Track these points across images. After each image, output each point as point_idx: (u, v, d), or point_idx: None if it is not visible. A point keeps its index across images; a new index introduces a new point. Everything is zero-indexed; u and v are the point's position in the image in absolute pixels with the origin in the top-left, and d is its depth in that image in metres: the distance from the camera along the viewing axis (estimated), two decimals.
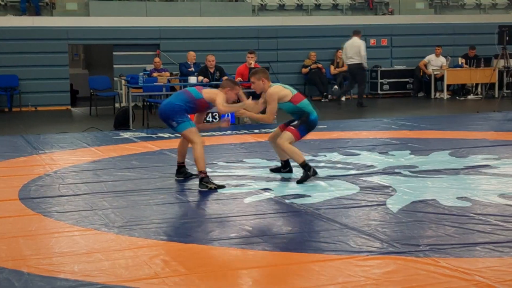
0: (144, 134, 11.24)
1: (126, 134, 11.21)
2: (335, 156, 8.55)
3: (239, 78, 13.10)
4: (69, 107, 17.09)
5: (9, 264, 4.42)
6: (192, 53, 15.47)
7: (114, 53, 17.65)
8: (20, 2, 17.59)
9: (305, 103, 7.23)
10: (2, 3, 17.76)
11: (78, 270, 4.31)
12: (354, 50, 15.72)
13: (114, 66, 17.60)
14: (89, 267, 4.37)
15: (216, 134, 11.24)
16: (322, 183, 6.95)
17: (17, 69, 16.53)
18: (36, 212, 5.89)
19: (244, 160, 8.49)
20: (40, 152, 9.45)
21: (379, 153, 8.75)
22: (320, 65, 18.17)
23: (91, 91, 15.92)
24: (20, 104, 16.45)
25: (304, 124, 7.19)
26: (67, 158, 8.94)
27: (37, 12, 17.59)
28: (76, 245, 4.90)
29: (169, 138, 10.66)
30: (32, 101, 16.63)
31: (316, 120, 7.28)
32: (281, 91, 7.19)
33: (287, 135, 7.13)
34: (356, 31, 16.17)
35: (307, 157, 8.46)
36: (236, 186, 6.89)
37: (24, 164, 8.50)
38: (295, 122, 7.23)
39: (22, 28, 16.71)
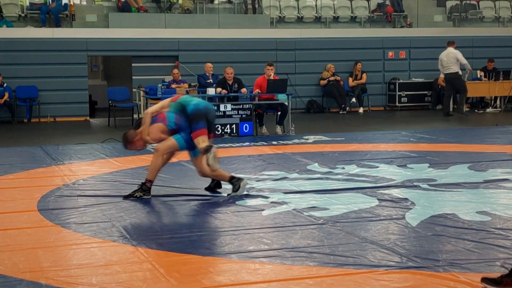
0: None
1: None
2: (353, 169, 8.51)
3: (258, 90, 13.12)
4: (88, 118, 17.19)
5: (27, 276, 4.43)
6: (209, 64, 15.52)
7: (133, 64, 17.76)
8: (40, 13, 17.76)
9: (184, 97, 7.14)
10: (23, 15, 17.94)
11: (96, 282, 4.31)
12: (451, 60, 16.04)
13: (133, 77, 17.70)
14: (107, 279, 4.37)
15: (234, 145, 11.25)
16: (340, 196, 6.92)
17: (36, 80, 16.67)
18: (55, 223, 5.91)
19: (262, 172, 8.48)
20: (58, 163, 9.50)
21: (398, 166, 8.71)
22: (338, 78, 18.15)
23: (110, 102, 16.01)
24: (39, 115, 16.58)
25: (183, 132, 6.93)
26: (86, 169, 8.97)
27: (57, 24, 17.75)
28: (93, 257, 4.91)
29: None
30: (51, 112, 16.75)
31: (199, 106, 6.94)
32: (152, 109, 7.07)
33: (167, 143, 6.91)
34: (451, 41, 16.42)
35: (324, 169, 8.45)
36: (254, 198, 6.87)
37: (43, 175, 8.55)
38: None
39: (42, 39, 16.86)
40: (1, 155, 10.33)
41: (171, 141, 6.97)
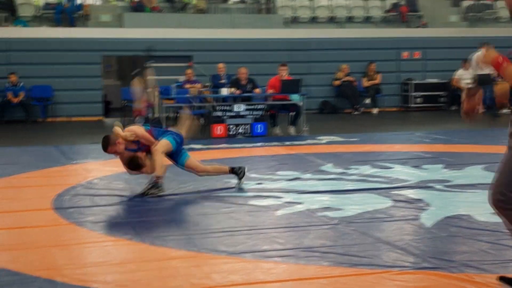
0: None
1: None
2: (368, 169, 8.49)
3: (271, 90, 13.12)
4: (102, 117, 17.25)
5: (42, 274, 4.45)
6: (221, 65, 15.53)
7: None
8: (55, 13, 17.85)
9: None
10: (38, 15, 18.04)
11: (111, 280, 4.33)
12: None
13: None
14: (122, 277, 4.39)
15: (247, 146, 11.25)
16: (354, 196, 6.91)
17: (51, 79, 16.76)
18: (69, 222, 5.94)
19: (276, 172, 8.48)
20: (73, 162, 9.54)
21: (412, 166, 8.67)
22: (351, 78, 18.12)
23: (124, 102, 16.06)
24: (54, 115, 16.66)
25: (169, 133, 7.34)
26: (100, 168, 9.01)
27: (72, 24, 17.83)
28: (108, 255, 4.93)
29: (200, 149, 10.70)
30: (66, 112, 16.83)
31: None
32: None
33: (162, 143, 7.17)
34: (485, 43, 16.26)
35: (338, 170, 8.44)
36: (268, 198, 6.87)
37: (58, 174, 8.59)
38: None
39: (57, 39, 16.96)
40: (16, 154, 10.40)
41: (164, 141, 7.19)
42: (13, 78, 16.16)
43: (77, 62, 16.95)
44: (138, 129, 7.33)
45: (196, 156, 9.88)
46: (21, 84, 16.28)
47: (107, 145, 7.22)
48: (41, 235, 5.51)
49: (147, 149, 7.30)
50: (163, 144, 7.20)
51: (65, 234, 5.58)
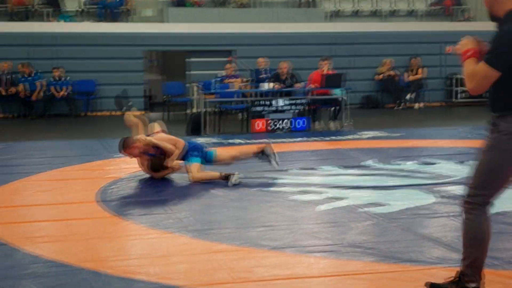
0: (216, 140, 11.32)
1: (198, 140, 11.30)
2: (412, 165, 8.40)
3: (312, 85, 13.06)
4: (144, 112, 17.39)
5: (87, 265, 4.51)
6: (261, 59, 15.49)
7: (188, 59, 17.90)
8: (99, 8, 18.07)
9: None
10: (80, 10, 18.28)
11: (154, 272, 4.37)
12: None
13: (188, 72, 17.84)
14: (166, 270, 4.42)
15: (287, 141, 11.23)
16: (397, 192, 6.84)
17: (94, 74, 16.95)
18: (114, 215, 6.01)
19: (317, 167, 8.44)
20: (116, 156, 9.62)
21: (457, 162, 8.55)
22: (392, 73, 17.94)
23: (165, 96, 16.18)
24: (97, 109, 16.87)
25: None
26: None
27: (115, 19, 18.02)
28: (152, 247, 4.97)
29: (240, 144, 10.72)
30: (108, 106, 17.02)
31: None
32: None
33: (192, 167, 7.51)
34: None
35: (380, 165, 8.38)
36: (309, 193, 6.85)
37: (101, 167, 8.69)
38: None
39: (100, 34, 17.15)
40: (60, 148, 10.56)
41: (194, 166, 7.55)
42: (57, 72, 16.41)
43: (119, 57, 17.12)
44: (161, 137, 7.66)
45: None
46: (66, 78, 16.52)
47: (124, 147, 7.55)
48: (86, 227, 5.59)
49: (166, 155, 7.58)
50: (195, 169, 7.50)
51: (109, 226, 5.65)
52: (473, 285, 3.73)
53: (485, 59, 3.54)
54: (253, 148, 7.75)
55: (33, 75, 16.27)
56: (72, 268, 4.46)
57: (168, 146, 7.54)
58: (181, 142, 7.61)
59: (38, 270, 4.43)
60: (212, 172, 7.62)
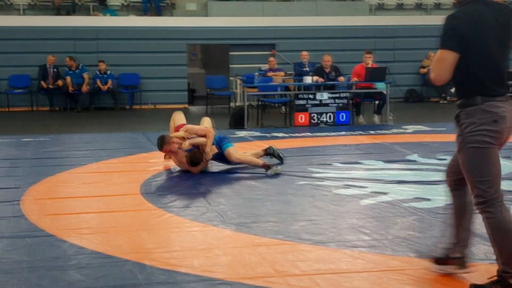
0: (258, 133, 11.33)
1: (241, 133, 11.35)
2: None
3: (355, 78, 12.97)
4: (187, 105, 17.52)
5: (132, 257, 4.56)
6: (304, 52, 15.45)
7: (231, 52, 17.94)
8: (142, 2, 18.22)
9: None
10: (125, 3, 18.46)
11: (197, 265, 4.39)
12: None
13: (230, 65, 17.88)
14: (208, 262, 4.45)
15: (330, 134, 11.18)
16: (441, 187, 6.74)
17: (138, 67, 17.12)
18: (157, 207, 6.06)
19: (360, 161, 8.38)
20: None
21: (502, 157, 8.34)
22: None
23: (208, 90, 16.25)
24: (141, 102, 17.04)
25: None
26: None
27: (158, 12, 18.16)
28: (195, 240, 5.00)
29: (283, 137, 10.71)
30: (152, 99, 17.17)
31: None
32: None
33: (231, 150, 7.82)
34: None
35: (424, 160, 8.27)
36: (352, 187, 6.81)
37: (145, 160, 8.77)
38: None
39: (144, 28, 17.30)
40: (104, 141, 10.69)
41: (231, 150, 7.88)
42: (102, 66, 16.61)
43: (163, 51, 17.24)
44: (191, 129, 7.85)
45: (279, 144, 9.92)
46: (110, 72, 16.71)
47: (163, 143, 7.67)
48: (130, 219, 5.65)
49: (200, 147, 7.72)
50: (235, 151, 7.87)
51: (153, 218, 5.70)
52: None
53: (439, 45, 3.75)
54: (259, 162, 7.83)
55: (79, 68, 16.51)
56: (116, 260, 4.51)
57: (200, 140, 7.67)
58: (211, 131, 7.82)
59: (83, 261, 4.49)
60: (255, 159, 7.85)
